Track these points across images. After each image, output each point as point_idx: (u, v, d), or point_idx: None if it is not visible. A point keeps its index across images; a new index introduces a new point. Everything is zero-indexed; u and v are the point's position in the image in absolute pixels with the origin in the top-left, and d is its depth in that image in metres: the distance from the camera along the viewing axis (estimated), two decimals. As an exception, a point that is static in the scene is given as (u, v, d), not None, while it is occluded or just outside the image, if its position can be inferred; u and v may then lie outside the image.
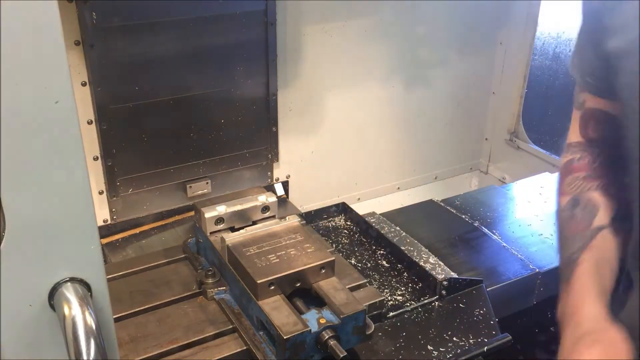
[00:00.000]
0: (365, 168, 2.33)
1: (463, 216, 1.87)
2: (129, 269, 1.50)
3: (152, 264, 1.53)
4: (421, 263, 1.57)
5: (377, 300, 1.41)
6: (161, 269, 1.52)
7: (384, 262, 1.64)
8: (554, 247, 1.72)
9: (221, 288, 1.40)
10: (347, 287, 1.32)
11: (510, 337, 1.38)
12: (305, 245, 1.36)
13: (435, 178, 2.53)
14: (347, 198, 2.23)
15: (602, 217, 1.05)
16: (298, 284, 1.30)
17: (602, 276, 1.00)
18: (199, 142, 1.87)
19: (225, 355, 1.26)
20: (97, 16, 1.56)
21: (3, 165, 0.63)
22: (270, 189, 2.06)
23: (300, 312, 1.25)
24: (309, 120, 2.11)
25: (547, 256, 1.68)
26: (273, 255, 1.32)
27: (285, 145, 2.07)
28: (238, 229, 1.46)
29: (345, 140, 2.23)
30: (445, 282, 1.50)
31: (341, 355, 1.17)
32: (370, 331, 1.28)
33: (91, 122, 1.70)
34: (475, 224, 1.83)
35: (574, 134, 1.13)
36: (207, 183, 1.93)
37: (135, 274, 1.50)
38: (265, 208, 1.51)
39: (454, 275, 1.53)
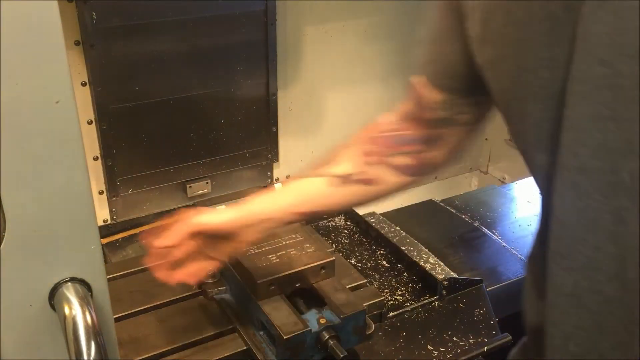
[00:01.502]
0: (365, 168, 2.32)
1: (463, 216, 1.87)
2: (129, 269, 1.50)
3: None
4: (421, 263, 1.57)
5: (377, 300, 1.41)
6: (161, 269, 1.52)
7: (384, 262, 1.64)
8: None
9: (221, 288, 1.40)
10: (347, 287, 1.33)
11: (510, 337, 1.38)
12: (305, 245, 1.35)
13: (435, 178, 2.53)
14: (347, 198, 2.23)
15: None
16: (298, 284, 1.30)
17: None
18: (199, 142, 1.87)
19: (225, 355, 1.26)
20: (97, 16, 1.56)
21: (3, 165, 0.63)
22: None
23: (300, 312, 1.25)
24: (309, 120, 2.11)
25: (547, 256, 1.68)
26: (273, 255, 1.32)
27: (285, 145, 2.07)
28: (238, 229, 1.46)
29: (345, 141, 2.22)
30: (445, 282, 1.50)
31: (341, 355, 1.17)
32: (371, 331, 1.28)
33: (91, 122, 1.70)
34: (475, 224, 1.83)
35: None
36: (207, 183, 1.93)
37: (135, 274, 1.50)
38: (265, 208, 1.51)
39: (454, 275, 1.53)
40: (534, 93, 0.74)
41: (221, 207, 1.46)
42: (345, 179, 1.09)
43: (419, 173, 1.10)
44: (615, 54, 0.64)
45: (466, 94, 0.99)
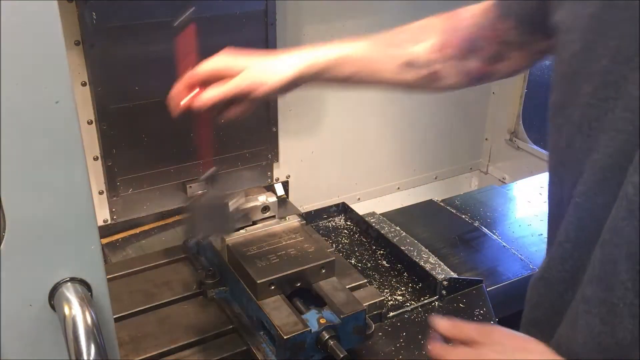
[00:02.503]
0: (365, 168, 2.33)
1: (463, 216, 1.87)
2: (129, 269, 1.50)
3: (152, 264, 1.53)
4: (421, 263, 1.57)
5: (377, 300, 1.41)
6: (161, 269, 1.52)
7: (384, 262, 1.64)
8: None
9: (221, 288, 1.40)
10: (347, 287, 1.32)
11: (510, 337, 1.38)
12: (305, 245, 1.35)
13: (435, 178, 2.54)
14: (347, 198, 2.23)
15: None
16: (298, 284, 1.30)
17: None
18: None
19: (225, 355, 1.26)
20: (97, 16, 1.57)
21: (3, 165, 0.63)
22: (270, 189, 2.06)
23: (300, 312, 1.25)
24: (309, 121, 2.11)
25: (547, 256, 1.68)
26: (273, 255, 1.32)
27: (285, 145, 2.07)
28: (238, 229, 1.46)
29: (345, 140, 2.22)
30: (445, 282, 1.50)
31: (341, 355, 1.17)
32: (371, 331, 1.28)
33: (91, 122, 1.70)
34: (475, 224, 1.83)
35: None
36: (207, 183, 1.93)
37: (135, 274, 1.50)
38: (265, 208, 1.51)
39: (454, 275, 1.53)
40: (590, 76, 0.74)
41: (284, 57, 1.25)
42: (412, 64, 1.08)
43: (478, 81, 1.09)
44: None
45: (538, 29, 0.95)
